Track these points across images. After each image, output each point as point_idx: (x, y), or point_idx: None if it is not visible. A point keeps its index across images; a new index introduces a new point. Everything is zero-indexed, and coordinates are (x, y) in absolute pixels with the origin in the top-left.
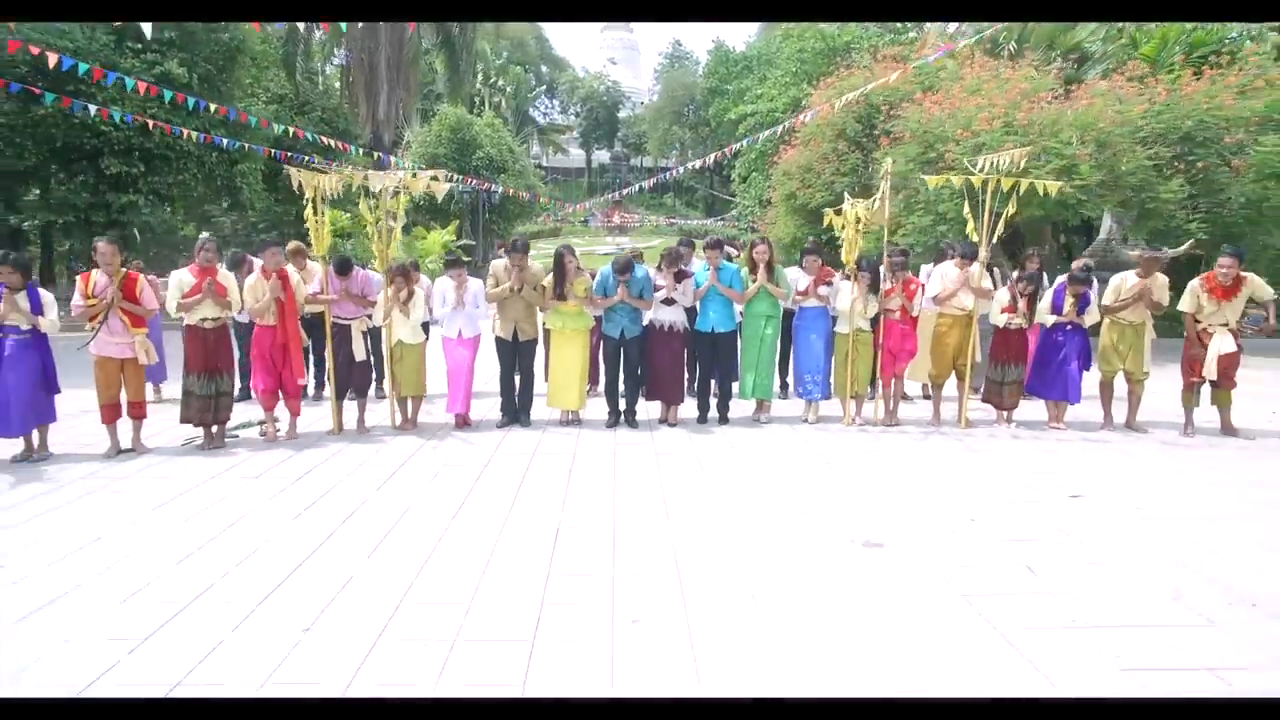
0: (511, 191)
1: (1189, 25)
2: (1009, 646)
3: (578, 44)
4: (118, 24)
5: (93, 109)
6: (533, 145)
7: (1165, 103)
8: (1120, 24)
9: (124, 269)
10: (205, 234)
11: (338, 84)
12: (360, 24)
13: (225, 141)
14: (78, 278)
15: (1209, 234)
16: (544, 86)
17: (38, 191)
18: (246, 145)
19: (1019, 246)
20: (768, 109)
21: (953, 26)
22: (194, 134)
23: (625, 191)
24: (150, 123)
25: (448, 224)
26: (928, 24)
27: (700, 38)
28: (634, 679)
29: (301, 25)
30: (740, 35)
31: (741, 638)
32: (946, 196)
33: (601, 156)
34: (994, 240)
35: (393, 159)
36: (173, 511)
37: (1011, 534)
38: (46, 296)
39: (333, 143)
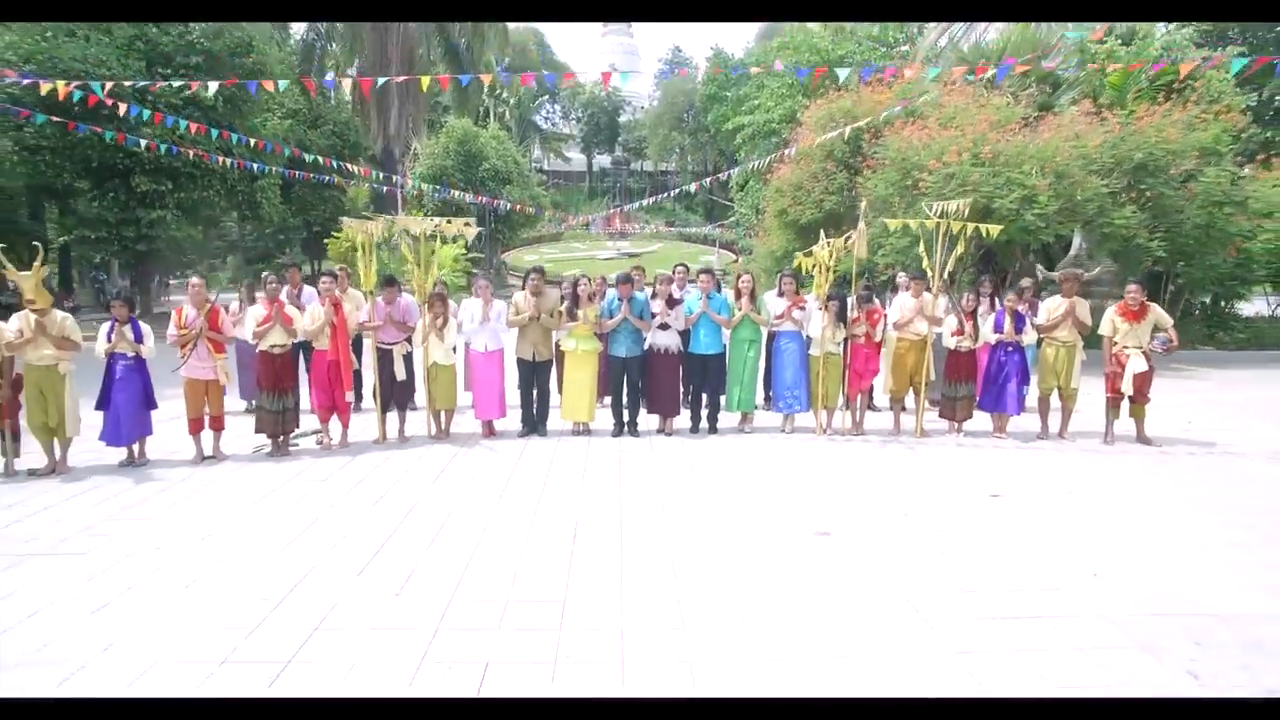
0: (519, 207)
1: (1154, 57)
2: (914, 610)
3: (578, 50)
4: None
5: (143, 142)
6: (534, 148)
7: (1119, 136)
8: (1091, 54)
9: (209, 303)
10: (267, 273)
11: (349, 98)
12: (369, 45)
13: (253, 166)
14: (172, 311)
15: (1168, 252)
16: (545, 95)
17: (60, 209)
18: (270, 168)
19: (992, 265)
20: (764, 120)
21: (937, 36)
22: (227, 159)
23: (629, 207)
24: (179, 144)
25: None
26: (920, 40)
27: (699, 44)
28: (638, 621)
29: (317, 45)
30: (739, 42)
31: (720, 597)
32: (926, 217)
33: (602, 160)
34: (945, 274)
35: (407, 179)
36: (266, 508)
37: (935, 525)
38: (145, 328)
39: (347, 164)
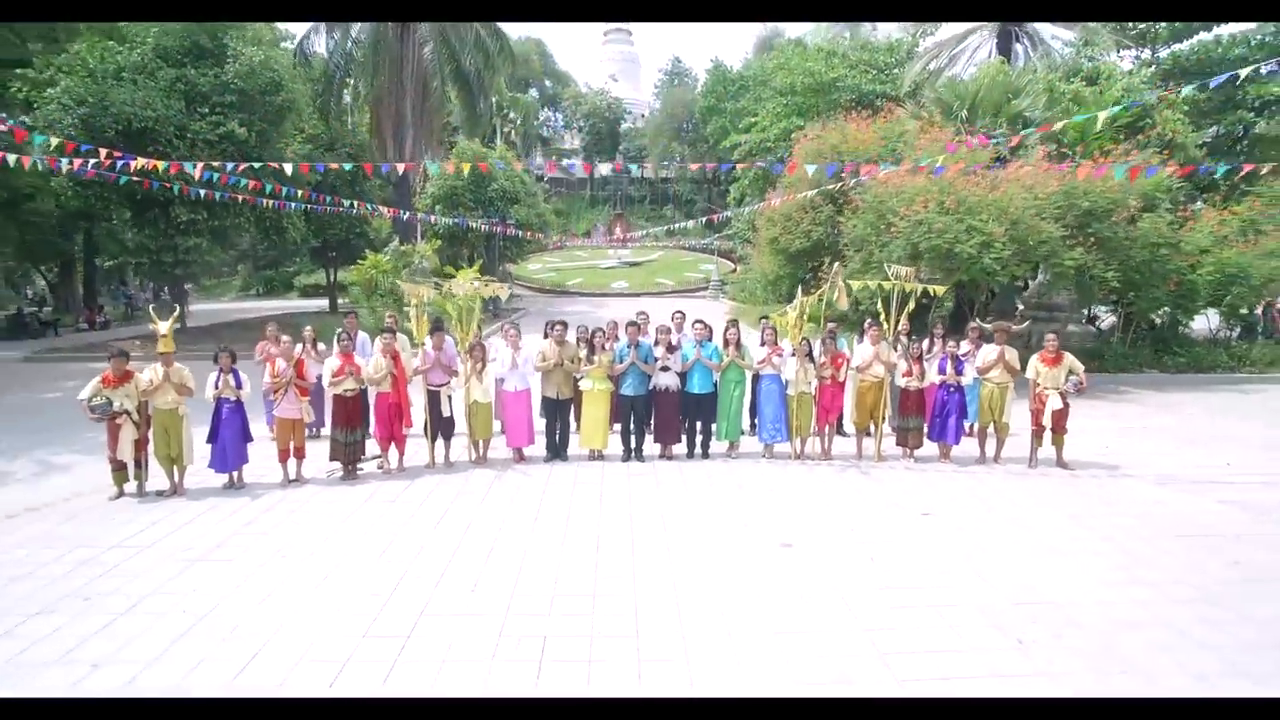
0: (530, 234)
1: (1113, 103)
2: (842, 600)
3: (580, 57)
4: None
5: (192, 171)
6: (536, 155)
7: (1068, 185)
8: (1057, 96)
9: (297, 356)
10: (341, 328)
11: (365, 125)
12: (388, 74)
13: (282, 196)
14: (266, 363)
15: (1120, 283)
16: (545, 107)
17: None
18: (297, 194)
19: (965, 297)
20: (759, 139)
21: (923, 65)
22: (270, 200)
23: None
24: (210, 187)
25: (471, 258)
26: (908, 66)
27: (699, 56)
28: (646, 605)
29: (336, 76)
30: (737, 53)
31: (704, 591)
32: (897, 256)
33: (603, 169)
34: (898, 326)
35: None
36: (354, 525)
37: (872, 537)
38: (244, 375)
39: (374, 206)
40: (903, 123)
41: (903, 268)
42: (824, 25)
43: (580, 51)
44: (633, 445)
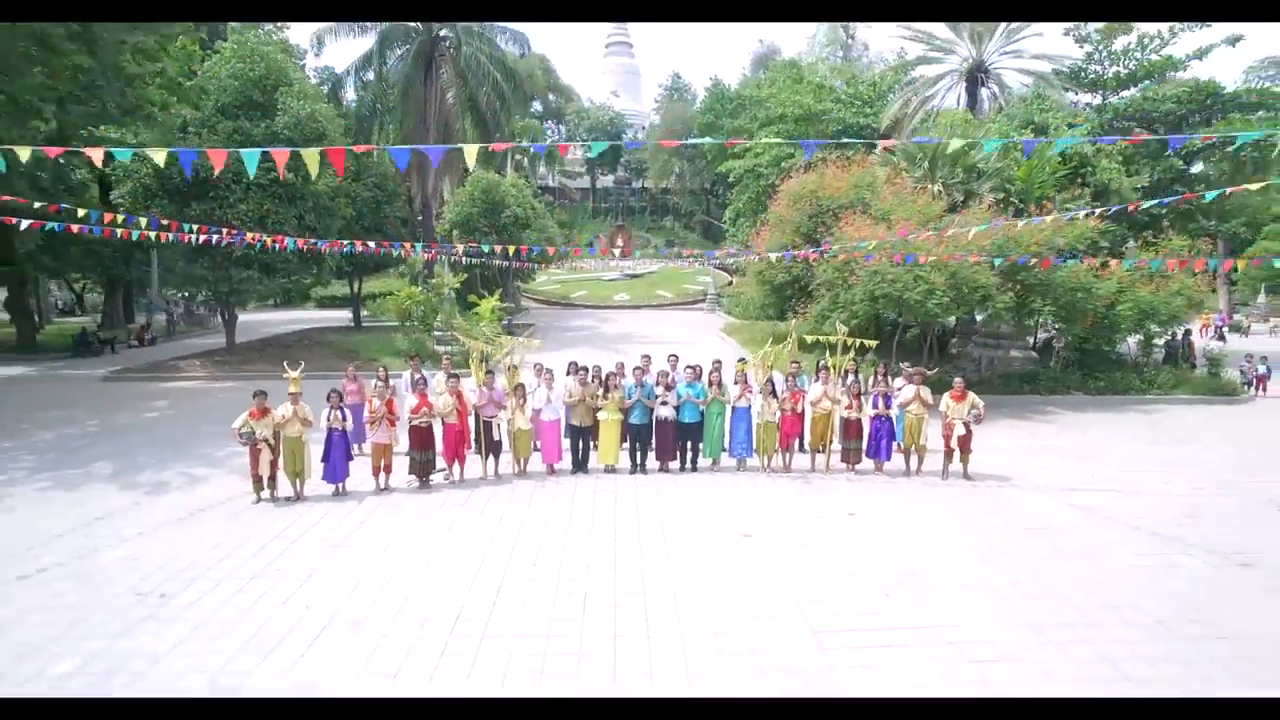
0: (542, 267)
1: (1057, 157)
2: (780, 574)
3: (582, 70)
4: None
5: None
6: (540, 165)
7: (1000, 240)
8: (1007, 146)
9: (389, 394)
10: (418, 374)
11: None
12: (414, 119)
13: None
14: (363, 401)
15: (1053, 315)
16: (549, 121)
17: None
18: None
19: (925, 333)
20: (753, 164)
21: (898, 109)
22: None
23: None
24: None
25: (487, 281)
26: (885, 108)
27: (698, 69)
28: (650, 571)
29: (367, 119)
30: (734, 72)
31: (688, 566)
32: (859, 299)
33: (605, 180)
34: (841, 370)
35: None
36: (438, 524)
37: (808, 530)
38: (348, 411)
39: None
40: (873, 171)
41: (844, 326)
42: (819, 42)
43: (583, 63)
44: (639, 462)
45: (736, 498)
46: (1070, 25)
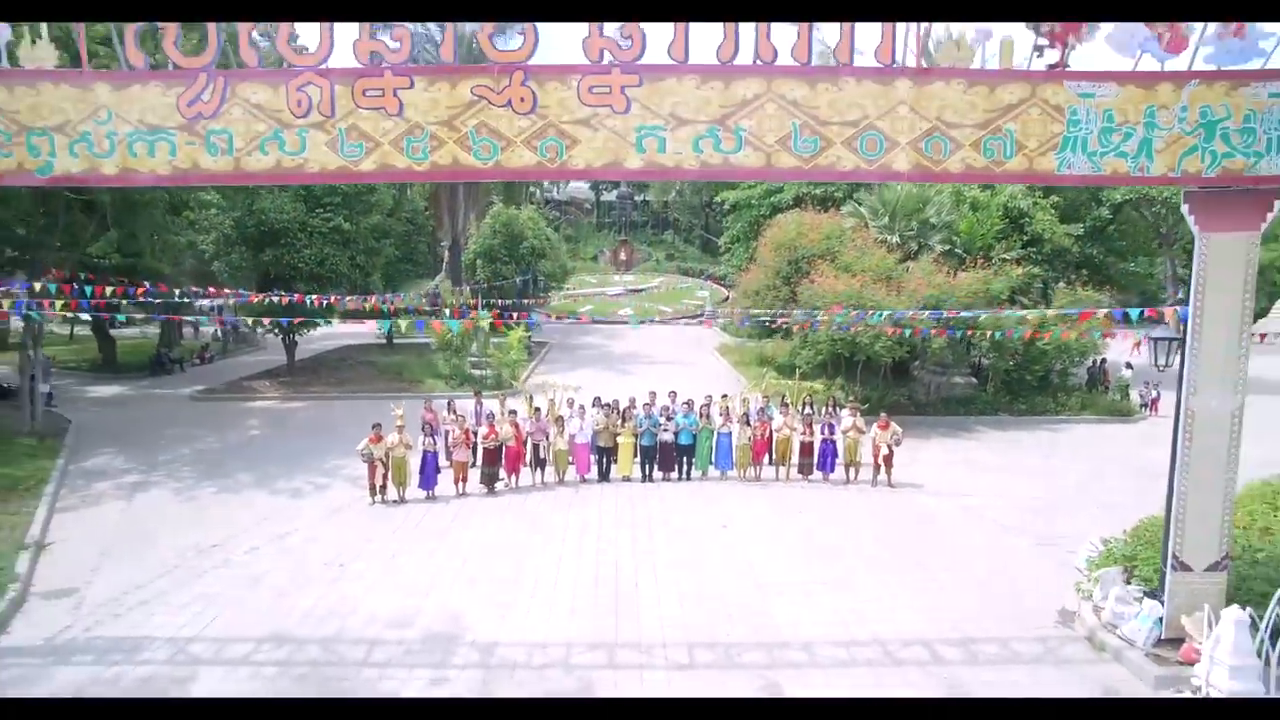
0: (557, 311)
1: (999, 213)
2: (744, 548)
3: None
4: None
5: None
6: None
7: (938, 293)
8: (958, 201)
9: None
10: (492, 412)
11: (420, 192)
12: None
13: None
14: (445, 429)
15: (987, 348)
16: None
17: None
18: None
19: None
20: (746, 195)
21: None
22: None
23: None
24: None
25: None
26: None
27: None
28: (662, 550)
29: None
30: None
31: (685, 546)
32: (823, 339)
33: (608, 195)
34: (803, 406)
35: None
36: (508, 519)
37: (765, 524)
38: (440, 440)
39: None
40: (841, 224)
41: (803, 383)
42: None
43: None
44: (647, 473)
45: (718, 499)
46: None
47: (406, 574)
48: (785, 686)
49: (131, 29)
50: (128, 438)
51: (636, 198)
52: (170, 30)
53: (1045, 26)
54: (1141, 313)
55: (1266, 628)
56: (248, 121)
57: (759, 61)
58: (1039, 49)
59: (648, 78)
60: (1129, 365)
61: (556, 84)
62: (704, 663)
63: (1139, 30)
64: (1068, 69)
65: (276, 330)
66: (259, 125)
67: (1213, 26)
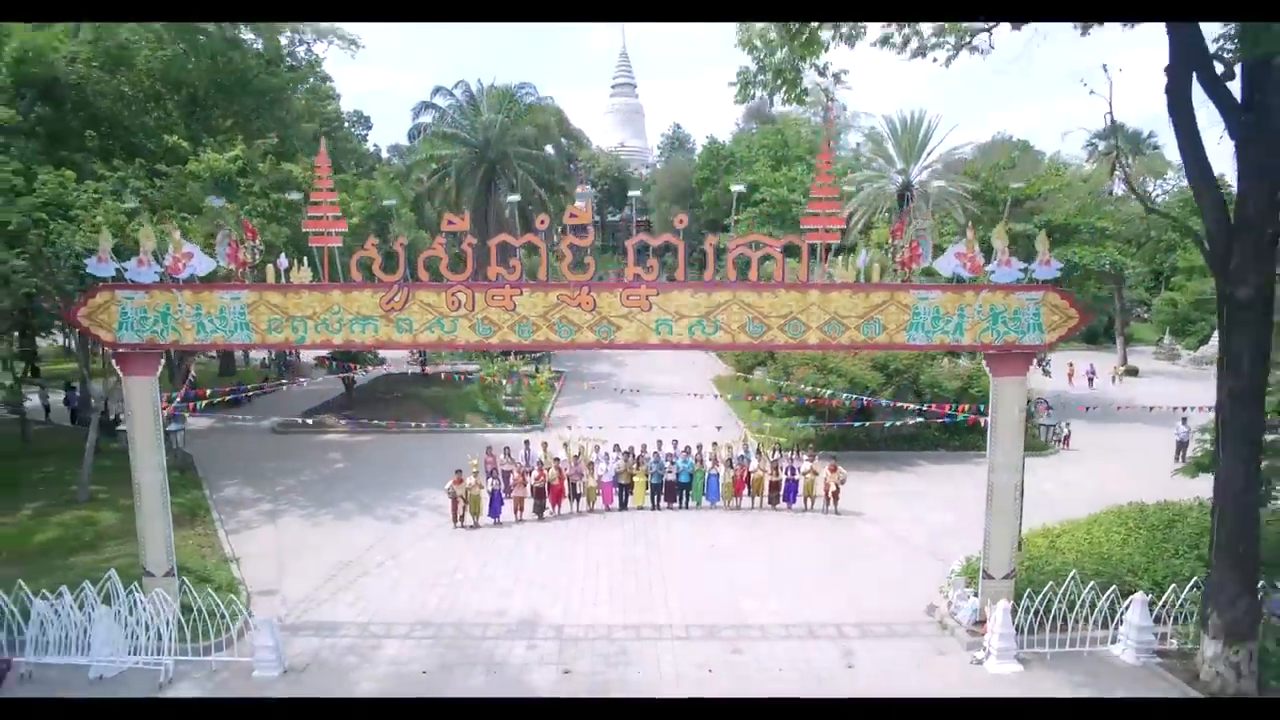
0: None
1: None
2: (727, 561)
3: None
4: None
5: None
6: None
7: (886, 353)
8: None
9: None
10: (539, 458)
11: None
12: (473, 217)
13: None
14: (507, 474)
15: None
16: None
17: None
18: None
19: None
20: (752, 181)
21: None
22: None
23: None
24: None
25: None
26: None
27: (698, 129)
28: (670, 560)
29: (426, 199)
30: (727, 126)
31: (679, 562)
32: (794, 394)
33: (613, 218)
34: (773, 452)
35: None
36: (562, 540)
37: (742, 543)
38: (500, 478)
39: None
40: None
41: (770, 428)
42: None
43: (590, 100)
44: (655, 504)
45: (708, 524)
46: (979, 155)
47: (495, 580)
48: (745, 650)
49: (355, 259)
50: (240, 470)
51: (638, 219)
52: (376, 259)
53: (897, 256)
54: (964, 418)
55: (1026, 612)
56: (421, 313)
57: (723, 279)
58: (896, 266)
59: (662, 290)
60: (1049, 407)
61: (608, 294)
62: (697, 636)
63: (952, 260)
64: (912, 282)
65: (333, 366)
66: (428, 315)
67: (995, 258)
